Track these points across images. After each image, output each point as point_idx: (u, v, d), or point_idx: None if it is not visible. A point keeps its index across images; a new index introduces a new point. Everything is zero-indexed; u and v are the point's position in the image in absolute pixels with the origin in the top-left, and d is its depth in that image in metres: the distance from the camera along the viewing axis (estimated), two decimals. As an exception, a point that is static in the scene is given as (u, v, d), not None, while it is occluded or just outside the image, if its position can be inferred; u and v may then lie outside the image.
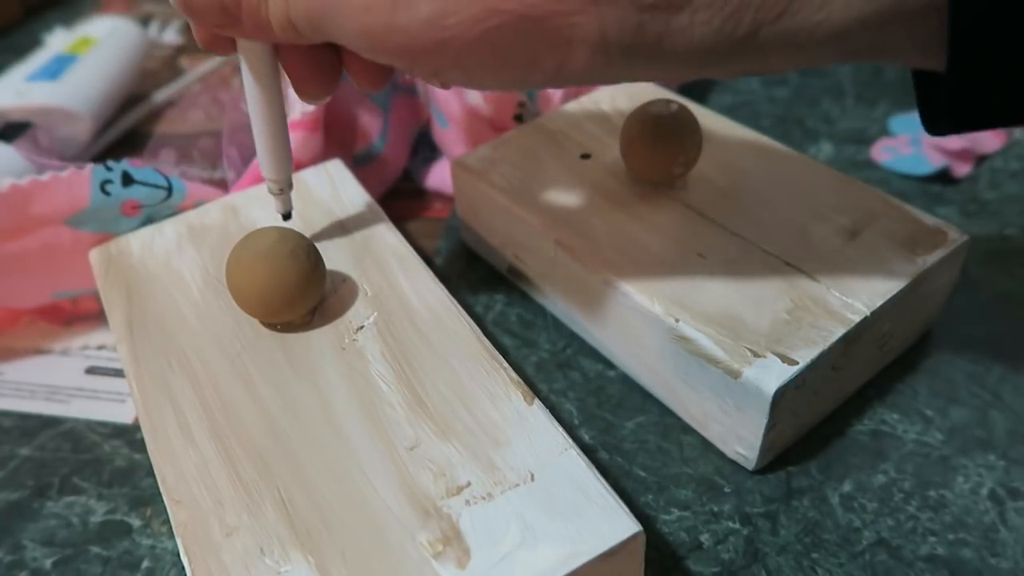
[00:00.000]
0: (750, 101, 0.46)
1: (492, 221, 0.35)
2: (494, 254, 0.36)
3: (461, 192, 0.36)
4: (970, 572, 0.25)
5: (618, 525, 0.22)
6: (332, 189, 0.34)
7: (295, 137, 0.34)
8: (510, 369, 0.26)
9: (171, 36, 0.59)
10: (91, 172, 0.31)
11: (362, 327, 0.28)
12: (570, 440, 0.24)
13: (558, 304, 0.34)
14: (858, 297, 0.28)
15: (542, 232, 0.32)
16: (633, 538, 0.22)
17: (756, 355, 0.26)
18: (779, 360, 0.26)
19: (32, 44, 0.53)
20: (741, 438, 0.27)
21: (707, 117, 0.36)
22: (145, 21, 0.62)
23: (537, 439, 0.24)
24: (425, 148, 0.44)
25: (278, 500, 0.23)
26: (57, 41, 0.50)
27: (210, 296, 0.29)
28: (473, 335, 0.27)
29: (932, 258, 0.29)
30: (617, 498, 0.22)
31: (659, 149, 0.31)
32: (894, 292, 0.28)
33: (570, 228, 0.31)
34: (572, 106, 0.38)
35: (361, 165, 0.39)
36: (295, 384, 0.26)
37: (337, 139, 0.38)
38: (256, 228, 0.28)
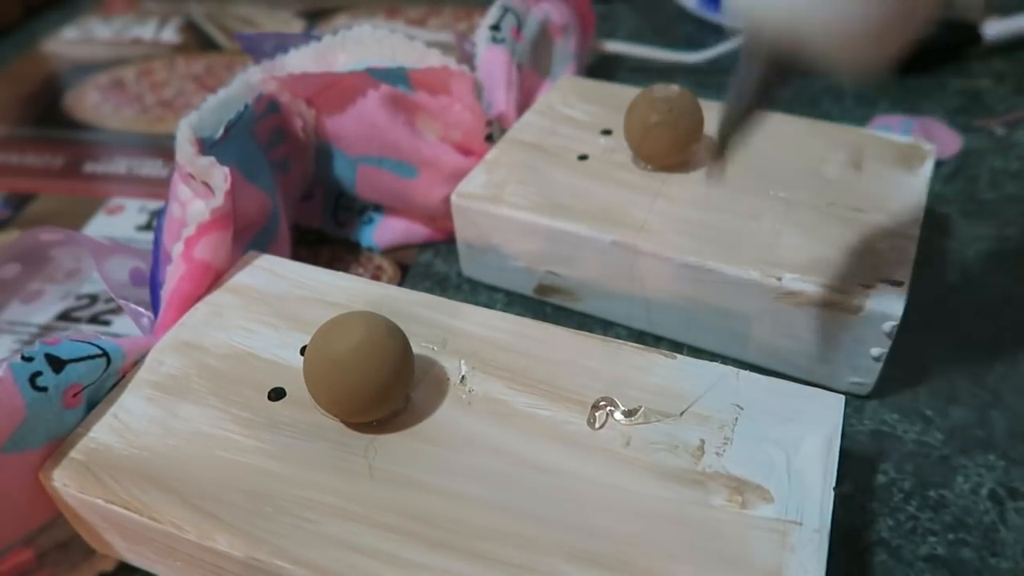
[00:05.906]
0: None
1: (515, 243, 0.33)
2: (516, 277, 0.34)
3: (468, 223, 0.33)
4: (970, 572, 0.25)
5: (829, 399, 0.24)
6: (294, 282, 0.28)
7: (210, 240, 0.27)
8: (629, 342, 0.26)
9: (171, 36, 0.59)
10: (11, 371, 0.22)
11: (463, 377, 0.25)
12: (732, 367, 0.25)
13: (613, 307, 0.32)
14: (902, 216, 0.29)
15: (592, 237, 0.30)
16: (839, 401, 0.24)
17: (867, 287, 0.27)
18: (889, 285, 0.27)
19: (32, 44, 0.53)
20: (856, 369, 0.29)
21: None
22: (145, 21, 0.62)
23: (711, 379, 0.24)
24: (356, 218, 0.39)
25: (573, 554, 0.20)
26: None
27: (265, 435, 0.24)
28: (565, 331, 0.26)
29: (926, 169, 0.32)
30: (804, 386, 0.24)
31: (679, 129, 0.32)
32: (923, 203, 0.30)
33: (619, 225, 0.30)
34: (531, 116, 0.37)
35: (260, 251, 0.32)
36: (467, 459, 0.23)
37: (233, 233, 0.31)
38: (327, 329, 0.23)
